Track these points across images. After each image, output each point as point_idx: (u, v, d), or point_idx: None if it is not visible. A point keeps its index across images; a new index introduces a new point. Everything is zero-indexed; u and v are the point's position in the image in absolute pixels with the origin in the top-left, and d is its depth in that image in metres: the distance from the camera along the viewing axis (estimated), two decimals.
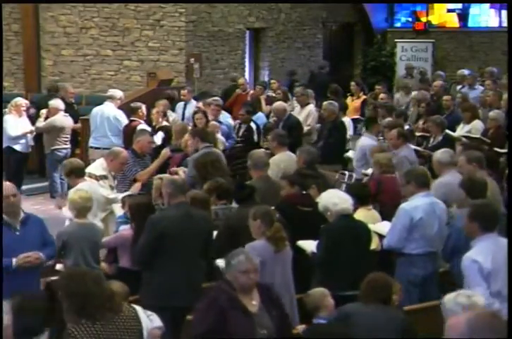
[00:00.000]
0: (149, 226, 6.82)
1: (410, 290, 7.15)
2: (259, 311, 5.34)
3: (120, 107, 12.95)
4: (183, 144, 10.06)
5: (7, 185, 6.78)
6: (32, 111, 13.77)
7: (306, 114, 13.04)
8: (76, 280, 4.68)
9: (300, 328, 6.03)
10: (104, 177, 8.93)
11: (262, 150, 9.55)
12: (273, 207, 7.06)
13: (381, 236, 7.47)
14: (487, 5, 21.88)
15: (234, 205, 7.85)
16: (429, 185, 7.53)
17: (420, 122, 12.26)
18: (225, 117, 12.58)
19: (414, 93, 14.58)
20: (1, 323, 5.92)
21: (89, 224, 7.32)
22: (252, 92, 15.41)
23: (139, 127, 11.65)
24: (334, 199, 6.94)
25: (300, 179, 7.93)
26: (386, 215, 7.90)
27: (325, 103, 12.31)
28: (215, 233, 7.25)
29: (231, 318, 5.23)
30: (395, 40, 21.73)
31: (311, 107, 13.34)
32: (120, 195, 8.64)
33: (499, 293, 5.83)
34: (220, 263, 6.73)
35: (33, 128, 12.94)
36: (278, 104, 12.75)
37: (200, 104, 13.14)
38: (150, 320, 4.99)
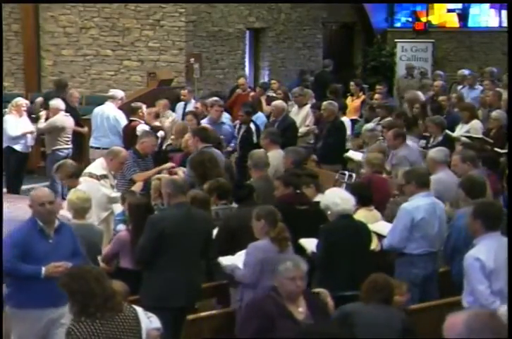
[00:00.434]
0: (150, 226, 6.82)
1: (411, 290, 7.13)
2: (306, 319, 5.28)
3: (120, 107, 12.95)
4: (183, 144, 10.06)
5: (44, 191, 6.57)
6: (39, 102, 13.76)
7: (304, 115, 13.02)
8: (78, 278, 4.69)
9: None
10: (104, 177, 8.93)
11: (262, 150, 9.53)
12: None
13: (379, 236, 7.46)
14: (487, 5, 21.87)
15: (234, 205, 7.86)
16: (430, 185, 7.52)
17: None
18: (224, 118, 12.60)
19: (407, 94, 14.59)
20: (1, 324, 5.94)
21: (87, 225, 7.33)
22: (252, 93, 15.38)
23: (139, 127, 11.66)
24: (336, 199, 6.95)
25: (294, 179, 7.92)
26: None
27: (325, 103, 12.31)
28: (215, 233, 7.26)
29: (278, 326, 5.16)
30: (395, 40, 21.71)
31: (308, 108, 13.34)
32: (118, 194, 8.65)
33: (501, 292, 5.83)
34: (223, 260, 6.75)
35: (33, 128, 12.93)
36: (279, 102, 12.76)
37: (198, 105, 13.15)
38: (150, 322, 4.99)
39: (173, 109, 13.65)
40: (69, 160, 9.14)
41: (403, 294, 6.09)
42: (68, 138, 12.97)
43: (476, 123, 11.79)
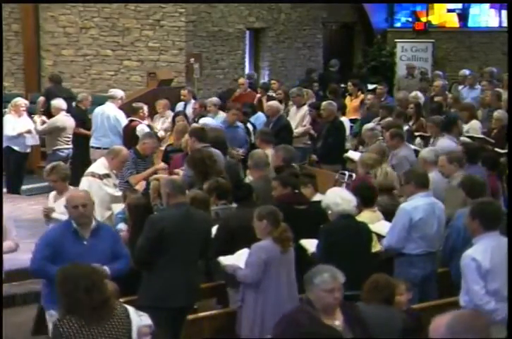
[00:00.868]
0: (149, 226, 6.81)
1: (410, 290, 7.16)
2: (343, 332, 5.07)
3: (120, 107, 12.96)
4: (183, 144, 10.06)
5: (78, 193, 6.52)
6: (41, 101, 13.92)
7: (302, 115, 13.01)
8: (69, 283, 4.65)
9: None
10: (107, 176, 8.92)
11: (262, 150, 9.53)
12: None
13: (379, 237, 7.46)
14: (487, 5, 21.87)
15: (234, 205, 7.85)
16: (429, 185, 7.53)
17: (410, 123, 12.18)
18: (222, 118, 12.61)
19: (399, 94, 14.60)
20: (1, 323, 5.94)
21: None
22: (258, 95, 15.37)
23: (139, 127, 11.67)
24: (337, 199, 6.94)
25: (292, 179, 7.92)
26: None
27: (324, 103, 12.32)
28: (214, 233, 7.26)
29: None
30: (395, 40, 21.71)
31: (307, 108, 13.35)
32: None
33: (496, 292, 5.84)
34: (223, 260, 6.74)
35: (32, 127, 12.93)
36: (273, 103, 12.76)
37: (197, 105, 13.15)
38: (141, 320, 4.99)
39: (173, 109, 13.66)
40: (62, 163, 9.06)
41: (403, 294, 6.10)
42: (69, 138, 12.97)
43: (475, 123, 11.80)
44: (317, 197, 7.82)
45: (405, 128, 11.41)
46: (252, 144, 11.54)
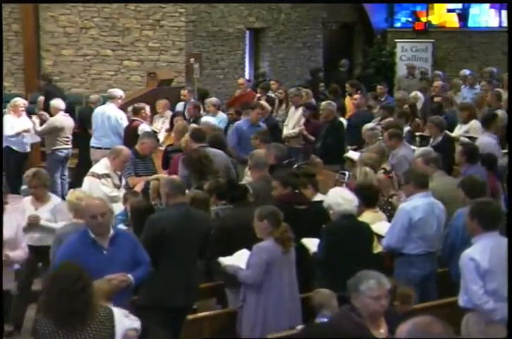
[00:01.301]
0: (149, 226, 6.82)
1: None
2: None
3: (120, 107, 12.96)
4: (182, 144, 10.05)
5: (96, 202, 6.23)
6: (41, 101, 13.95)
7: (299, 115, 12.97)
8: (53, 284, 4.65)
9: (300, 328, 6.04)
10: (106, 176, 8.91)
11: (262, 150, 9.53)
12: None
13: (379, 237, 7.46)
14: (487, 5, 21.88)
15: None
16: (428, 185, 7.53)
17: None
18: (221, 118, 12.61)
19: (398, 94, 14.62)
20: (2, 323, 5.95)
21: None
22: (258, 95, 15.38)
23: (140, 127, 11.67)
24: (338, 199, 6.95)
25: (292, 179, 7.92)
26: None
27: (323, 103, 12.33)
28: None
29: None
30: (395, 40, 21.72)
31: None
32: (121, 194, 8.65)
33: (495, 292, 5.85)
34: (223, 261, 6.74)
35: (31, 127, 12.92)
36: (263, 103, 12.73)
37: (191, 106, 13.07)
38: (130, 322, 4.98)
39: (173, 109, 13.65)
40: (42, 169, 8.87)
41: (411, 304, 6.13)
42: (68, 138, 12.98)
43: (475, 123, 11.78)
44: (318, 197, 7.82)
45: (407, 128, 11.39)
46: None
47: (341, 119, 12.78)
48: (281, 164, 9.07)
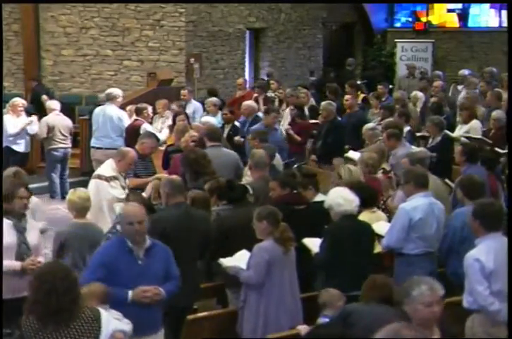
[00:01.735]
0: (150, 226, 6.81)
1: None
2: None
3: (119, 107, 12.96)
4: (182, 144, 10.04)
5: (134, 209, 6.02)
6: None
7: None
8: (41, 282, 4.63)
9: (302, 328, 6.04)
10: (114, 178, 8.80)
11: (262, 150, 9.51)
12: None
13: (378, 237, 7.46)
14: (487, 5, 21.89)
15: None
16: (428, 185, 7.52)
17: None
18: (217, 117, 12.61)
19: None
20: (1, 323, 5.94)
21: (88, 224, 7.32)
22: (255, 95, 15.37)
23: (143, 127, 11.67)
24: (339, 199, 6.93)
25: (291, 180, 7.92)
26: None
27: (323, 103, 12.32)
28: None
29: None
30: (395, 40, 21.74)
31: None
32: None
33: (500, 293, 5.84)
34: (224, 262, 6.74)
35: (29, 121, 12.93)
36: (250, 102, 12.72)
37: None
38: (120, 323, 4.97)
39: (184, 109, 13.61)
40: (21, 169, 8.56)
41: None
42: (65, 137, 12.98)
43: (475, 123, 11.78)
44: (318, 197, 7.81)
45: (407, 128, 11.38)
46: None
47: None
48: (271, 164, 9.05)
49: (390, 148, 9.87)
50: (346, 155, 11.26)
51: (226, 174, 8.75)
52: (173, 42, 16.51)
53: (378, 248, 7.30)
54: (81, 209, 7.24)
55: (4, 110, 13.06)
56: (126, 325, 5.12)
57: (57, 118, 13.01)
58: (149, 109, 12.19)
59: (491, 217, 6.06)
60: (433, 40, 21.64)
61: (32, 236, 6.80)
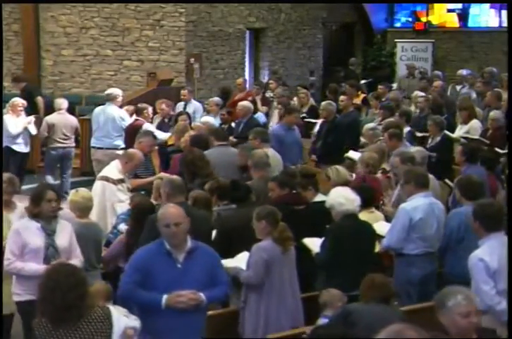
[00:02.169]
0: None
1: (409, 290, 7.16)
2: None
3: (119, 107, 12.97)
4: (182, 144, 10.04)
5: (172, 210, 5.76)
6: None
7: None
8: (48, 281, 4.65)
9: (307, 329, 6.04)
10: (121, 181, 8.77)
11: (263, 150, 9.51)
12: None
13: (378, 237, 7.46)
14: (487, 5, 21.90)
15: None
16: (428, 185, 7.52)
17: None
18: (217, 118, 12.62)
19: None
20: (1, 322, 5.95)
21: (91, 224, 7.32)
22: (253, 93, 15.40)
23: (144, 126, 11.67)
24: (340, 199, 6.93)
25: (290, 180, 7.91)
26: None
27: (323, 103, 12.32)
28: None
29: None
30: (395, 40, 21.74)
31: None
32: None
33: (505, 292, 5.82)
34: (225, 263, 6.74)
35: (29, 120, 12.94)
36: (245, 103, 12.69)
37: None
38: (129, 320, 4.98)
39: (173, 110, 13.64)
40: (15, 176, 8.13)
41: None
42: (66, 136, 12.97)
43: (475, 123, 11.78)
44: (318, 197, 7.81)
45: (407, 128, 11.38)
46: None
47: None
48: None
49: (391, 148, 9.85)
50: (346, 154, 11.27)
51: (234, 173, 8.76)
52: (173, 42, 16.52)
53: (376, 248, 7.30)
54: (84, 209, 7.24)
55: (4, 110, 13.06)
56: (135, 321, 5.11)
57: (58, 117, 12.99)
58: (150, 109, 12.19)
59: (490, 218, 6.06)
60: (433, 40, 21.64)
61: (62, 239, 6.62)
